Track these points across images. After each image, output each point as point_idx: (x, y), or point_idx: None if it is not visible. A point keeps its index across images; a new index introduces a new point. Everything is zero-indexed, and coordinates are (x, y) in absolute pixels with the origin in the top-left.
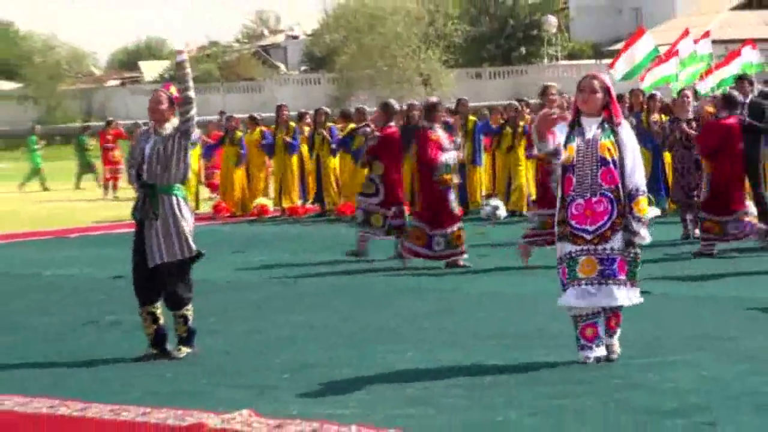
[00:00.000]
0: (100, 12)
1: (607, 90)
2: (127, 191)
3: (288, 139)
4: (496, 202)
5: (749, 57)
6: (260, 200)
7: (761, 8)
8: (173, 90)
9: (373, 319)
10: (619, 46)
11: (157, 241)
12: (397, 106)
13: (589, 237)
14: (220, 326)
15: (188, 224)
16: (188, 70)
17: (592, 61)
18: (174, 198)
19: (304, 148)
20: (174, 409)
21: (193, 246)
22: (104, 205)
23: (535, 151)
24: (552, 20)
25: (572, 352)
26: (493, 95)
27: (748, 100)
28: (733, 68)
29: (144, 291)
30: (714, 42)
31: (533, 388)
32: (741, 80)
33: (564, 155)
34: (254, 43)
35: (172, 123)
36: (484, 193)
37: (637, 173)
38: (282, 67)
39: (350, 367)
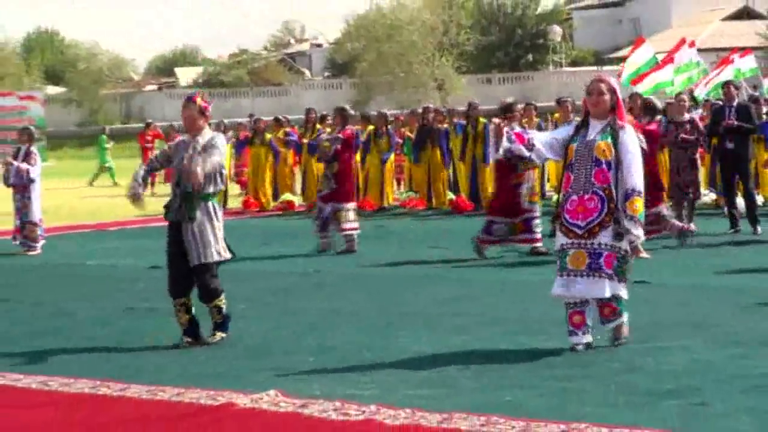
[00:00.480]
0: (139, 21)
1: (614, 92)
2: (164, 188)
3: (307, 140)
4: None
5: (739, 64)
6: (287, 196)
7: (751, 19)
8: (199, 100)
9: (390, 307)
10: (618, 54)
11: (195, 243)
12: (352, 112)
13: (580, 231)
14: (249, 312)
15: (221, 228)
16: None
17: (594, 68)
18: (210, 204)
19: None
20: (206, 389)
21: (227, 250)
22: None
23: (494, 156)
24: (557, 30)
25: None
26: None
27: (735, 104)
28: (727, 74)
29: (177, 285)
30: (707, 50)
31: (539, 372)
32: (727, 85)
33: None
34: (281, 51)
35: (207, 132)
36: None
37: (634, 174)
38: (307, 73)
39: (370, 351)
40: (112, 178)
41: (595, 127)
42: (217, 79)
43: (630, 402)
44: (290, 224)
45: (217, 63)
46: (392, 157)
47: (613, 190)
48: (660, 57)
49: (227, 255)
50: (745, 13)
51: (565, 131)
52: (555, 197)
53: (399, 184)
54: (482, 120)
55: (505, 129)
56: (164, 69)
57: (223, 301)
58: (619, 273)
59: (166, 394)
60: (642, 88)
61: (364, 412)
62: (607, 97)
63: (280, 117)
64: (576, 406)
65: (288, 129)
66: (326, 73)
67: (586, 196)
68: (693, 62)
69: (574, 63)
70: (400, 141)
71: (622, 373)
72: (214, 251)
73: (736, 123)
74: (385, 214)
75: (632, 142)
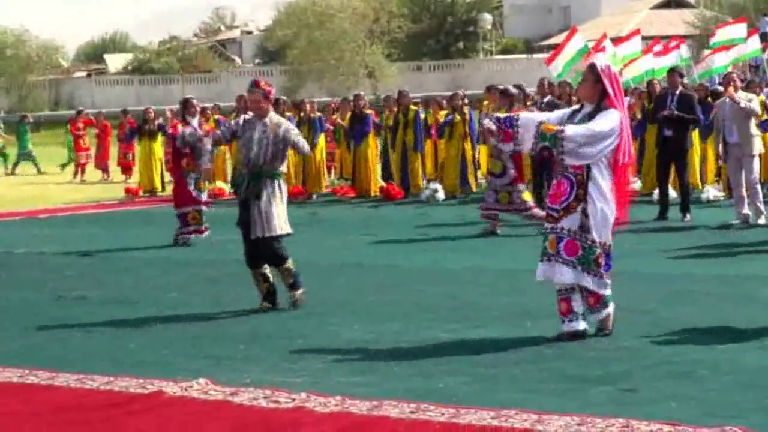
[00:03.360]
0: (68, 8)
1: (608, 77)
2: (94, 175)
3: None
4: (435, 185)
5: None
6: (217, 183)
7: (679, 7)
8: (263, 85)
9: (322, 295)
10: (548, 42)
11: (260, 217)
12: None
13: (557, 215)
14: (181, 301)
15: (285, 205)
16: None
17: (524, 56)
18: (276, 181)
19: None
20: (136, 378)
21: (289, 225)
22: (73, 188)
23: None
24: (487, 18)
25: (506, 324)
26: (432, 87)
27: (678, 92)
28: (654, 63)
29: (253, 258)
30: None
31: (471, 358)
32: (672, 72)
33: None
34: (211, 38)
35: (273, 115)
36: (426, 178)
37: (579, 129)
38: (237, 60)
39: (302, 339)
40: (35, 166)
41: (585, 111)
42: (147, 66)
43: (559, 388)
44: (221, 212)
45: (147, 50)
46: (322, 144)
47: (584, 176)
48: (590, 45)
49: (289, 230)
50: (674, 2)
51: (562, 114)
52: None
53: (330, 171)
54: (413, 108)
55: (486, 123)
56: (93, 55)
57: (290, 262)
58: (584, 263)
59: (95, 382)
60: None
61: (294, 399)
62: (597, 84)
63: (209, 106)
64: (506, 393)
65: (219, 117)
66: (257, 61)
67: (561, 180)
68: (631, 53)
69: (504, 51)
70: (331, 128)
71: (551, 359)
72: (276, 226)
73: (675, 113)
74: (315, 202)
75: (602, 118)
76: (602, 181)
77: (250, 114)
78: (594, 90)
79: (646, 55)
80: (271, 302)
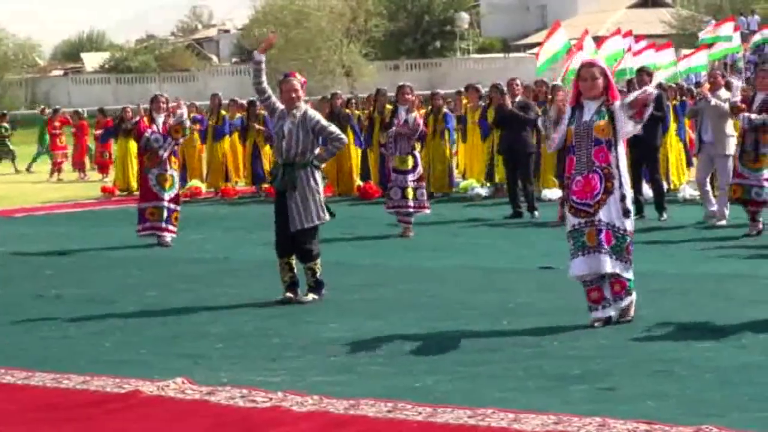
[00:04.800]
0: (45, 6)
1: (605, 74)
2: (71, 174)
3: (216, 124)
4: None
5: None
6: (194, 182)
7: (656, 6)
8: (298, 77)
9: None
10: (526, 41)
11: (297, 209)
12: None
13: (591, 210)
14: (158, 299)
15: (321, 193)
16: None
17: (501, 55)
18: (309, 170)
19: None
20: (112, 377)
21: (326, 212)
22: (49, 187)
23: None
24: (464, 17)
25: (487, 323)
26: None
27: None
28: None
29: (283, 247)
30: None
31: (451, 356)
32: (641, 72)
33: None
34: (188, 37)
35: (302, 105)
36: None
37: None
38: (214, 58)
39: (280, 337)
40: (13, 164)
41: (590, 108)
42: (123, 65)
43: (538, 387)
44: (198, 211)
45: (124, 48)
46: None
47: (613, 169)
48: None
49: (327, 217)
50: (651, 1)
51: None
52: (463, 184)
53: None
54: (389, 107)
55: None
56: (70, 54)
57: (318, 266)
58: (617, 252)
59: (71, 382)
60: (559, 80)
61: (271, 399)
62: (600, 80)
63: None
64: (485, 391)
65: (195, 114)
66: (234, 59)
67: (590, 175)
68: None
69: (481, 50)
70: None
71: (530, 357)
72: (314, 216)
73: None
74: None
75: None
76: (625, 173)
77: (281, 106)
78: (596, 86)
79: (633, 54)
80: (294, 292)
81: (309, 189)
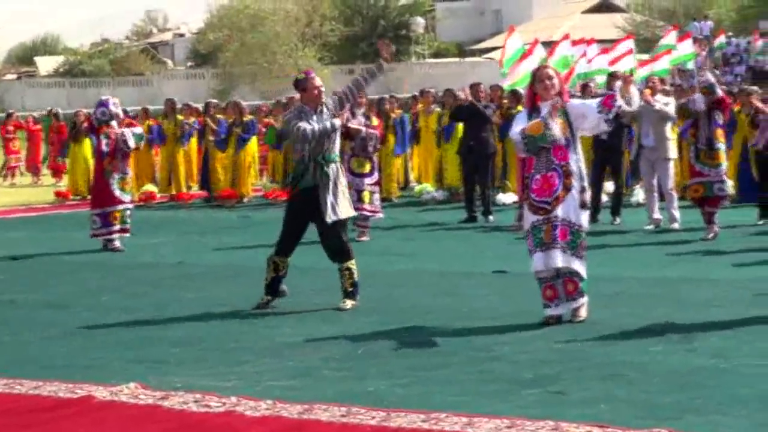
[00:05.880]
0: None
1: (558, 77)
2: (24, 179)
3: (176, 131)
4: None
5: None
6: (148, 187)
7: (610, 12)
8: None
9: (257, 297)
10: (481, 45)
11: (332, 202)
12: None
13: (549, 207)
14: (114, 304)
15: (346, 188)
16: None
17: (457, 60)
18: (337, 164)
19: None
20: (65, 382)
21: (352, 207)
22: (2, 191)
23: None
24: (420, 21)
25: (441, 326)
26: (365, 90)
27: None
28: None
29: (288, 245)
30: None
31: (404, 360)
32: (612, 77)
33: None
34: (143, 41)
35: (325, 105)
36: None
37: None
38: (169, 62)
39: (235, 342)
40: None
41: (545, 108)
42: (77, 69)
43: (492, 390)
44: (154, 215)
45: (78, 52)
46: (253, 146)
47: (572, 167)
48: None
49: (353, 212)
50: (605, 6)
51: (521, 121)
52: (418, 188)
53: (262, 174)
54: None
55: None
56: (24, 58)
57: (354, 265)
58: (572, 248)
59: (23, 387)
60: (506, 82)
61: (224, 404)
62: (556, 81)
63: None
64: (438, 396)
65: (151, 123)
66: (189, 63)
67: (549, 174)
68: (569, 56)
69: (436, 54)
70: (264, 130)
71: (483, 361)
72: (348, 208)
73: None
74: (246, 205)
75: (578, 102)
76: (583, 169)
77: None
78: (554, 86)
79: (588, 61)
80: (273, 295)
81: (341, 183)
